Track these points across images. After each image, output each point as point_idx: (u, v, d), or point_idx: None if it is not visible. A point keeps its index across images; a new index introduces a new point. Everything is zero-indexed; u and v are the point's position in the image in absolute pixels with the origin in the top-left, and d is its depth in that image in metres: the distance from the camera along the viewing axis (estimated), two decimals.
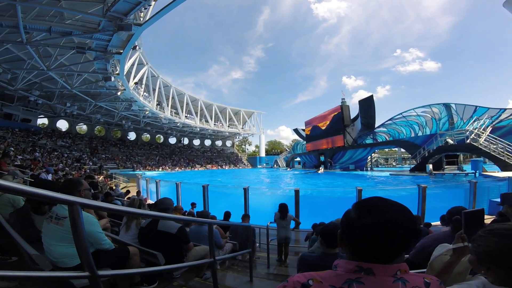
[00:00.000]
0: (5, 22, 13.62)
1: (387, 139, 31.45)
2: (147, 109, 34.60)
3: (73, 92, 26.58)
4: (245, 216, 5.99)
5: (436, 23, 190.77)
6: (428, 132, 25.39)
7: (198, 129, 52.73)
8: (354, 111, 35.96)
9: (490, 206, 8.05)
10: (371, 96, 30.99)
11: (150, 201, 10.75)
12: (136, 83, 28.88)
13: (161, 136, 57.03)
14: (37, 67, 20.36)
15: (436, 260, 1.41)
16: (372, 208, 0.74)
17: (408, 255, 2.64)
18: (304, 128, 48.27)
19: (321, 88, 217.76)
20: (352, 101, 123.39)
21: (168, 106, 40.77)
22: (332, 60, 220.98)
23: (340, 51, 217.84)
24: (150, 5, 14.05)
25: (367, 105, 30.97)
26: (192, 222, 4.36)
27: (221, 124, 56.37)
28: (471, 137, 16.66)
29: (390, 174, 24.83)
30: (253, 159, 66.61)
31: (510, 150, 14.14)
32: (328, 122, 39.08)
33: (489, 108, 19.55)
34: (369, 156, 32.85)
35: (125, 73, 22.08)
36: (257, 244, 6.49)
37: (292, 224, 6.58)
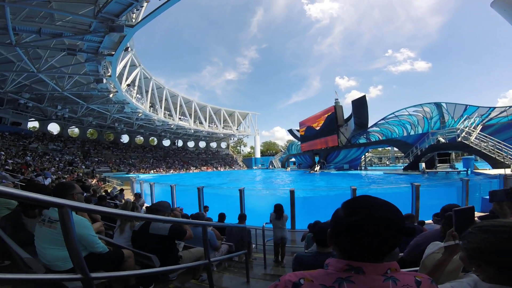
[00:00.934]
0: None
1: (380, 138, 31.78)
2: (140, 111, 34.26)
3: (64, 95, 26.18)
4: (241, 217, 5.97)
5: (426, 23, 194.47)
6: (420, 131, 25.74)
7: (192, 131, 52.49)
8: (347, 111, 36.33)
9: (482, 204, 8.18)
10: (364, 96, 31.29)
11: (146, 205, 10.63)
12: (128, 85, 28.59)
13: (155, 139, 56.57)
14: (27, 69, 20.00)
15: (428, 258, 1.42)
16: (359, 207, 0.75)
17: (402, 254, 2.66)
18: (298, 128, 48.46)
19: (315, 89, 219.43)
20: (345, 101, 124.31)
21: (161, 108, 40.48)
22: (325, 61, 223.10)
23: (333, 52, 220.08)
24: (142, 6, 13.91)
25: (360, 105, 31.25)
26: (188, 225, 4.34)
27: (215, 125, 56.19)
28: (462, 135, 16.92)
29: (383, 173, 25.07)
30: (249, 160, 66.58)
31: (500, 148, 14.40)
32: (322, 123, 39.32)
33: (479, 106, 19.94)
34: (363, 156, 33.14)
35: (117, 75, 21.81)
36: (254, 245, 6.48)
37: (288, 225, 6.60)
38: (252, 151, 77.33)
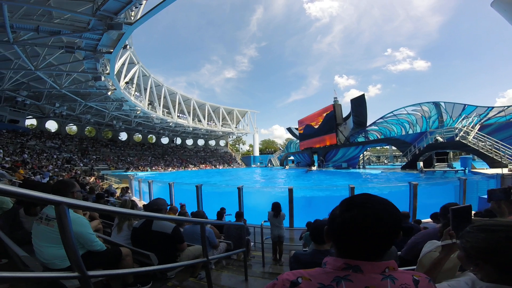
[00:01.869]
0: None
1: (379, 137, 31.83)
2: (139, 109, 34.18)
3: (62, 92, 26.04)
4: (239, 215, 5.98)
5: (425, 22, 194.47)
6: (418, 130, 25.78)
7: (191, 129, 52.39)
8: (346, 109, 36.30)
9: (479, 203, 8.21)
10: (363, 95, 31.30)
11: (143, 202, 10.64)
12: (127, 83, 28.45)
13: (153, 136, 56.44)
14: (25, 67, 19.83)
15: (425, 257, 1.42)
16: (355, 204, 0.76)
17: (400, 252, 2.67)
18: (297, 127, 48.46)
19: (314, 87, 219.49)
20: (344, 100, 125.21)
21: (160, 105, 40.35)
22: (324, 59, 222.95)
23: (332, 50, 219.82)
24: (141, 4, 13.82)
25: (359, 104, 31.24)
26: (186, 222, 4.34)
27: (214, 123, 56.07)
28: (460, 134, 16.97)
29: (382, 172, 25.11)
30: (247, 159, 66.53)
31: (497, 147, 14.46)
32: (320, 121, 39.33)
33: (477, 106, 20.00)
34: (361, 154, 33.17)
35: (115, 72, 21.71)
36: (252, 243, 6.49)
37: (287, 223, 6.60)
38: (250, 149, 77.38)
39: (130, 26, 14.43)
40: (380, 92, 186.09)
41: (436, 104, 22.89)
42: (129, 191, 12.59)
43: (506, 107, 18.37)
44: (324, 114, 38.40)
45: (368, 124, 31.04)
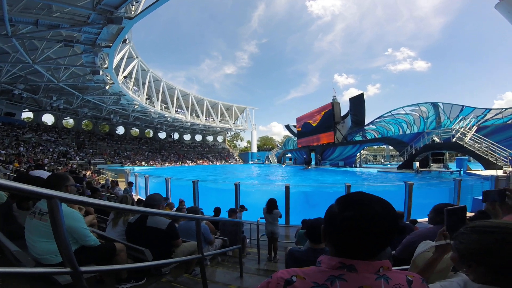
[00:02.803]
0: None
1: (376, 136, 31.95)
2: (136, 103, 34.01)
3: (59, 86, 25.83)
4: (232, 211, 5.98)
5: (428, 23, 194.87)
6: (415, 130, 25.89)
7: (189, 124, 52.23)
8: (344, 108, 36.37)
9: (473, 204, 8.29)
10: (362, 94, 31.31)
11: (138, 197, 10.61)
12: (125, 77, 28.26)
13: (151, 131, 56.27)
14: (23, 60, 19.64)
15: (418, 257, 1.43)
16: (354, 202, 0.75)
17: (394, 252, 2.68)
18: (295, 124, 48.47)
19: (313, 85, 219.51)
20: (342, 98, 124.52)
21: (158, 100, 40.15)
22: (324, 57, 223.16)
23: (333, 49, 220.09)
24: None
25: (358, 102, 31.27)
26: (181, 218, 4.34)
27: (212, 119, 55.91)
28: (457, 135, 17.05)
29: (378, 171, 25.23)
30: (245, 155, 66.57)
31: (493, 149, 14.55)
32: (319, 119, 39.35)
33: (475, 108, 20.10)
34: (358, 153, 33.29)
35: (114, 66, 21.57)
36: (248, 240, 6.50)
37: (282, 220, 6.62)
38: (248, 145, 77.25)
39: (130, 21, 14.32)
40: (379, 92, 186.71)
41: (434, 105, 22.97)
42: (122, 186, 12.51)
43: (503, 109, 18.48)
44: (323, 112, 38.40)
45: (366, 123, 31.13)
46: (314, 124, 40.71)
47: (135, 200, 6.68)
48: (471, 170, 15.94)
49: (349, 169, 30.42)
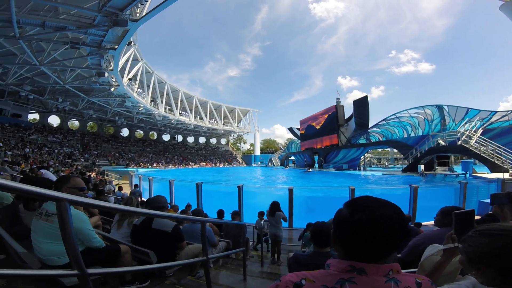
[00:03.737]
0: None
1: (380, 139, 31.75)
2: (141, 105, 34.23)
3: (65, 88, 26.15)
4: (236, 214, 5.97)
5: (432, 25, 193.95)
6: (420, 133, 25.71)
7: (193, 126, 52.40)
8: (348, 111, 36.29)
9: (479, 207, 8.19)
10: (366, 97, 31.23)
11: (143, 199, 10.65)
12: (130, 79, 28.51)
13: (155, 133, 56.55)
14: (30, 62, 19.91)
15: (426, 260, 1.42)
16: (364, 206, 0.75)
17: (400, 255, 2.66)
18: (299, 127, 48.42)
19: (317, 88, 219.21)
20: (346, 101, 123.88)
21: (162, 102, 40.40)
22: (328, 60, 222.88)
23: (336, 51, 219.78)
24: (147, 1, 13.87)
25: (362, 105, 31.20)
26: (185, 220, 4.34)
27: (216, 121, 56.06)
28: (462, 138, 16.91)
29: (382, 174, 25.07)
30: (248, 157, 66.60)
31: (499, 152, 14.40)
32: (322, 122, 39.29)
33: (480, 110, 19.90)
34: (362, 156, 33.12)
35: (119, 69, 21.76)
36: (251, 243, 6.49)
37: (286, 223, 6.58)
38: (251, 148, 77.36)
39: (135, 23, 14.46)
40: (383, 94, 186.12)
41: (439, 107, 22.81)
42: (126, 189, 12.60)
43: (509, 112, 18.26)
44: (326, 115, 38.35)
45: (370, 126, 30.99)
46: (317, 127, 40.64)
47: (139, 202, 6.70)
48: (476, 173, 15.77)
49: (353, 172, 30.26)
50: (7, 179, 1.15)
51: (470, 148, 15.77)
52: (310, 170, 35.54)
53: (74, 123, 42.43)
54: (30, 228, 2.06)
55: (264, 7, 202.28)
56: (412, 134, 27.14)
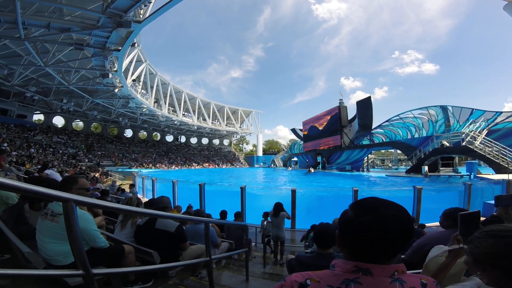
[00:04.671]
0: (4, 17, 13.40)
1: (384, 140, 31.56)
2: (145, 106, 34.40)
3: (70, 89, 26.37)
4: (238, 215, 5.98)
5: (435, 26, 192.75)
6: (424, 134, 25.51)
7: (196, 127, 52.52)
8: (351, 112, 36.17)
9: (484, 208, 8.11)
10: (369, 98, 31.09)
11: (146, 199, 10.70)
12: (134, 80, 28.68)
13: (158, 134, 56.73)
14: (35, 63, 20.15)
15: (431, 261, 1.42)
16: (369, 207, 0.75)
17: (403, 256, 2.65)
18: (301, 128, 48.33)
19: (320, 89, 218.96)
20: (349, 102, 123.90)
21: (165, 103, 40.55)
22: (331, 61, 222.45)
23: (339, 52, 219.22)
24: (151, 2, 13.96)
25: (365, 106, 31.06)
26: (188, 221, 4.35)
27: (218, 122, 56.17)
28: (467, 139, 16.77)
29: (386, 175, 24.92)
30: (251, 158, 66.57)
31: (504, 153, 14.27)
32: (325, 123, 39.16)
33: (485, 111, 19.69)
34: (366, 157, 32.96)
35: (123, 70, 21.91)
36: (253, 243, 6.49)
37: (288, 224, 6.59)
38: (254, 149, 77.29)
39: (138, 24, 14.57)
40: (387, 95, 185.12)
41: (443, 108, 22.65)
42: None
43: None
44: (329, 116, 38.23)
45: (373, 127, 30.84)
46: (320, 128, 40.52)
47: (142, 202, 6.72)
48: (481, 174, 15.64)
49: (356, 173, 30.14)
50: (14, 180, 1.17)
51: (475, 149, 15.64)
52: (312, 171, 35.46)
53: (79, 124, 42.74)
54: (35, 228, 2.08)
55: (266, 8, 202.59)
56: (416, 135, 26.94)
